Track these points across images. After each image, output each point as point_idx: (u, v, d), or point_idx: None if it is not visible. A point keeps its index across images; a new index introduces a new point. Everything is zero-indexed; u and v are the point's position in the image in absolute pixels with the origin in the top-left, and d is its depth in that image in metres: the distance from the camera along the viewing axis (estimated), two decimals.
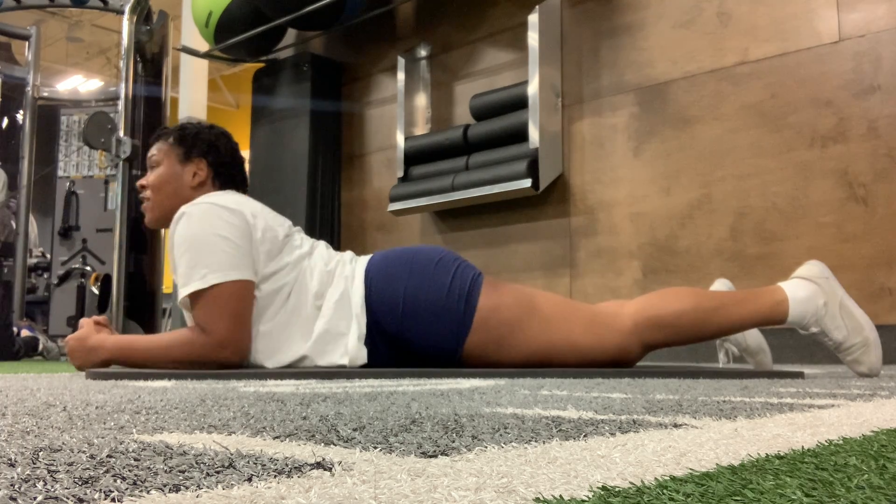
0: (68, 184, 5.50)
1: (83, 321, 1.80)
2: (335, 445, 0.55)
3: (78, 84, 10.51)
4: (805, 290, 1.66)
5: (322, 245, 1.89)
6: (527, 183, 3.62)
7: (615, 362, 1.72)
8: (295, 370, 1.67)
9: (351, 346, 1.73)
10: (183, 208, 1.75)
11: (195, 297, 1.66)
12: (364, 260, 1.83)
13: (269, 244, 1.75)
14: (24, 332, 4.46)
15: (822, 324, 1.63)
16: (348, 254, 1.89)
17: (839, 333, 1.62)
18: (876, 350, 1.61)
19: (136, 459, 0.48)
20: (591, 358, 1.71)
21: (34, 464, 0.46)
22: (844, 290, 1.66)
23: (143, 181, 1.93)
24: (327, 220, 4.70)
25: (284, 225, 1.85)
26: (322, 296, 1.76)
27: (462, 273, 1.75)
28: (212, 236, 1.67)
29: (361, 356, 1.73)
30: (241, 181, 1.98)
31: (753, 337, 1.94)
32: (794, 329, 1.73)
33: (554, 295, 1.79)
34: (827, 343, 1.65)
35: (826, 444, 0.58)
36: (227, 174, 1.94)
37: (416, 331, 1.72)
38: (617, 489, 0.39)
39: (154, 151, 1.93)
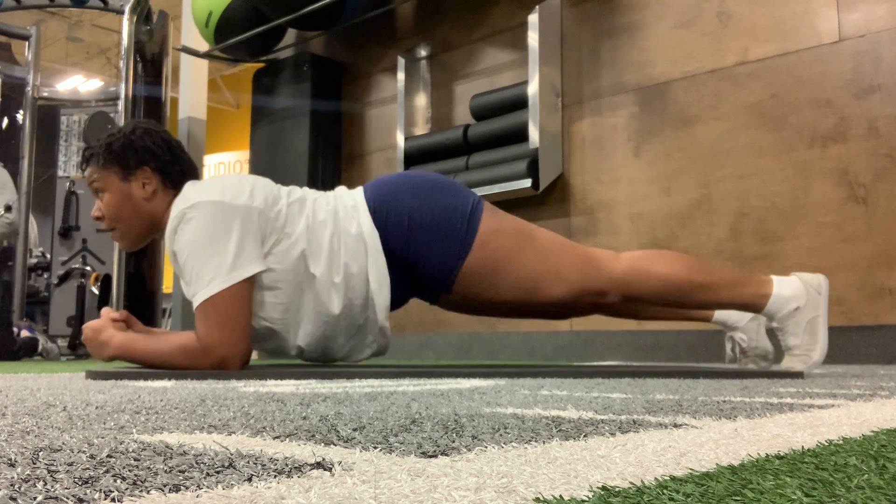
0: (68, 184, 5.50)
1: (104, 311, 1.80)
2: (335, 445, 0.55)
3: (78, 84, 10.51)
4: (791, 290, 1.75)
5: (310, 196, 1.86)
6: (527, 183, 3.62)
7: (594, 304, 1.78)
8: (295, 370, 1.67)
9: (373, 280, 1.76)
10: (175, 217, 1.69)
11: (199, 303, 1.66)
12: (358, 192, 1.85)
13: (273, 220, 1.74)
14: (24, 333, 4.46)
15: (784, 323, 1.73)
16: (340, 189, 1.90)
17: (793, 340, 1.73)
18: (812, 367, 1.73)
19: (136, 459, 0.48)
20: (574, 292, 1.74)
21: (34, 464, 0.46)
22: (825, 313, 1.75)
23: (97, 212, 1.83)
24: None
25: (280, 194, 1.81)
26: (338, 238, 1.78)
27: (463, 195, 1.80)
28: (210, 239, 1.65)
29: (383, 289, 1.77)
30: (190, 169, 1.86)
31: (765, 342, 1.99)
32: None
33: (550, 231, 1.85)
34: (779, 339, 1.76)
35: (826, 444, 0.58)
36: (176, 171, 1.83)
37: (420, 249, 1.76)
38: (617, 489, 0.39)
39: (93, 177, 1.82)
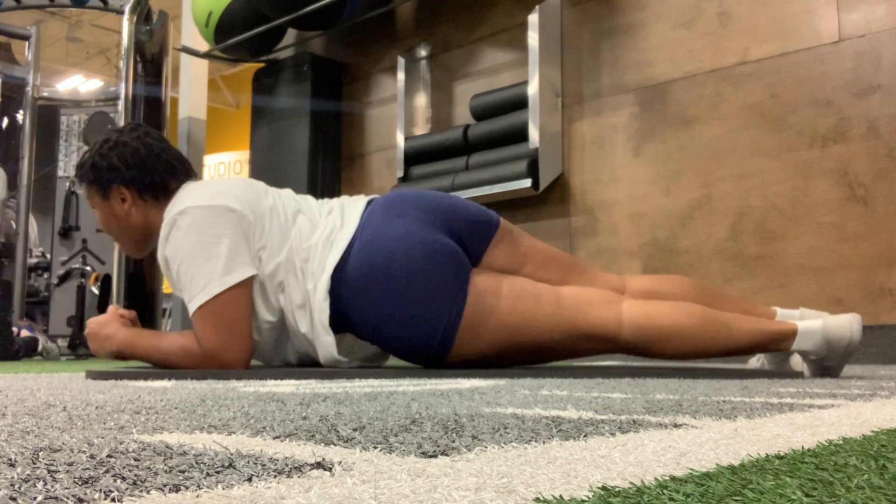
0: (68, 184, 5.49)
1: (111, 307, 1.81)
2: (335, 445, 0.55)
3: (78, 84, 10.51)
4: (813, 326, 1.59)
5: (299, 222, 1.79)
6: (527, 183, 3.62)
7: (605, 349, 1.68)
8: (295, 370, 1.67)
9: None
10: (166, 224, 1.69)
11: (196, 309, 1.66)
12: (335, 257, 1.71)
13: (259, 232, 1.73)
14: (24, 333, 4.46)
15: (820, 349, 1.58)
16: (335, 207, 1.81)
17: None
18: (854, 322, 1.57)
19: (136, 459, 0.48)
20: (585, 343, 1.67)
21: (34, 464, 0.46)
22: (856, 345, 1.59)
23: (99, 226, 1.93)
24: None
25: (265, 208, 1.77)
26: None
27: (452, 271, 1.67)
28: (202, 244, 1.65)
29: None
30: (171, 175, 1.81)
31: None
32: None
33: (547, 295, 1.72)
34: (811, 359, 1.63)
35: (826, 444, 0.58)
36: (148, 183, 1.79)
37: (391, 345, 1.73)
38: (617, 489, 0.39)
39: (84, 195, 1.88)
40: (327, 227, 1.76)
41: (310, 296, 1.71)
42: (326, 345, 1.71)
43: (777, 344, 1.59)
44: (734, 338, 1.59)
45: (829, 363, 1.59)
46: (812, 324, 1.58)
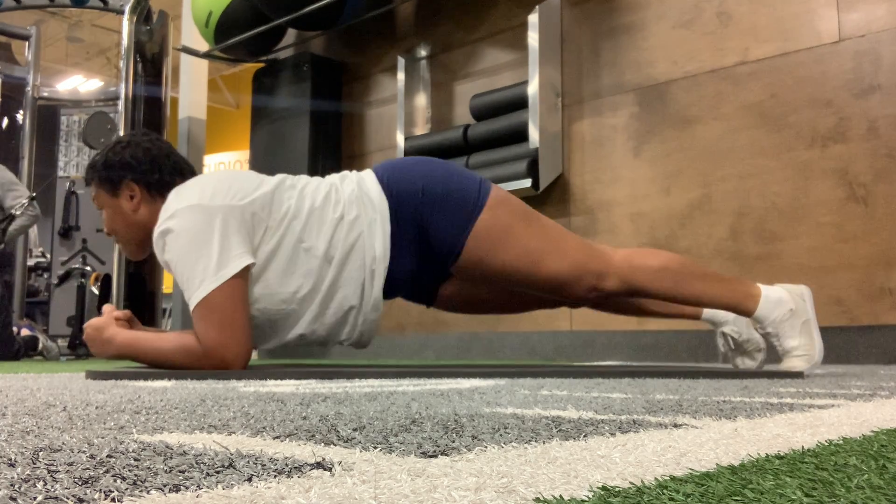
0: (68, 184, 5.50)
1: (106, 308, 1.83)
2: (335, 445, 0.55)
3: (78, 84, 10.51)
4: (777, 294, 1.76)
5: (304, 179, 1.88)
6: (527, 183, 3.62)
7: (594, 288, 1.78)
8: (295, 370, 1.67)
9: (378, 246, 1.78)
10: (161, 225, 1.71)
11: (194, 307, 1.67)
12: (366, 171, 1.88)
13: (259, 211, 1.74)
14: (24, 332, 4.46)
15: (778, 328, 1.74)
16: (339, 175, 1.92)
17: (791, 342, 1.74)
18: (814, 367, 1.76)
19: (136, 459, 0.48)
20: (576, 272, 1.76)
21: (34, 464, 0.46)
22: (815, 317, 1.77)
23: (104, 227, 1.96)
24: None
25: (263, 183, 1.80)
26: (339, 202, 1.80)
27: (471, 173, 1.86)
28: (193, 243, 1.66)
29: (387, 257, 1.79)
30: (176, 173, 1.89)
31: (756, 335, 1.97)
32: None
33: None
34: (775, 345, 1.76)
35: (826, 444, 0.58)
36: (156, 179, 1.87)
37: (433, 214, 1.78)
38: (617, 489, 0.39)
39: (93, 195, 1.93)
40: (344, 182, 1.86)
41: (359, 184, 1.79)
42: (377, 297, 1.80)
43: (746, 300, 1.75)
44: (709, 281, 1.77)
45: (772, 330, 1.74)
46: (773, 288, 1.77)
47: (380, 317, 1.88)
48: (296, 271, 1.75)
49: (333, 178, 1.88)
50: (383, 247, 1.78)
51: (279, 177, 1.85)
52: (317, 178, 1.88)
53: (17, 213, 4.23)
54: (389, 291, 1.87)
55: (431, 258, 1.83)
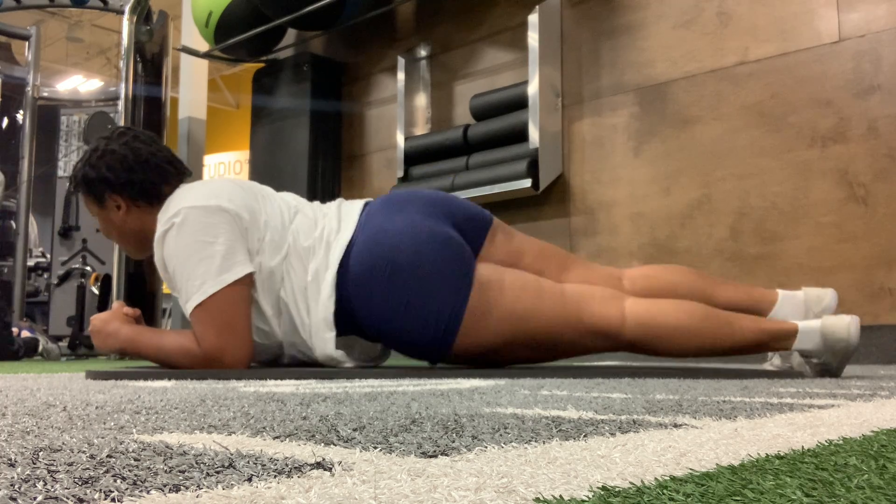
0: (68, 184, 5.49)
1: (115, 304, 1.83)
2: (335, 445, 0.55)
3: (78, 84, 10.50)
4: (810, 327, 1.59)
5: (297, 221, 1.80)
6: (527, 183, 3.62)
7: (608, 346, 1.71)
8: (295, 370, 1.67)
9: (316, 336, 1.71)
10: (165, 223, 1.70)
11: (193, 309, 1.66)
12: (336, 258, 1.72)
13: (254, 232, 1.73)
14: (25, 333, 4.46)
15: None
16: (326, 217, 1.81)
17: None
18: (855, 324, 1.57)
19: (136, 459, 0.48)
20: (591, 338, 1.68)
21: (34, 464, 0.46)
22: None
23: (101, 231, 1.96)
24: None
25: (259, 196, 1.79)
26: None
27: (455, 267, 1.67)
28: (197, 244, 1.65)
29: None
30: (162, 179, 1.81)
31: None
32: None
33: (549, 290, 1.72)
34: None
35: (826, 444, 0.58)
36: (139, 188, 1.80)
37: (396, 341, 1.74)
38: (617, 489, 0.39)
39: (84, 203, 1.91)
40: (326, 227, 1.77)
41: (312, 293, 1.71)
42: (326, 341, 1.71)
43: (778, 343, 1.60)
44: (736, 336, 1.60)
45: (828, 364, 1.59)
46: (811, 324, 1.58)
47: (356, 339, 1.84)
48: (270, 311, 1.75)
49: (321, 220, 1.79)
50: (325, 318, 1.70)
51: (277, 205, 1.81)
52: (309, 215, 1.82)
53: None
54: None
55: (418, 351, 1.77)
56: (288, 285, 1.73)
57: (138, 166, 1.80)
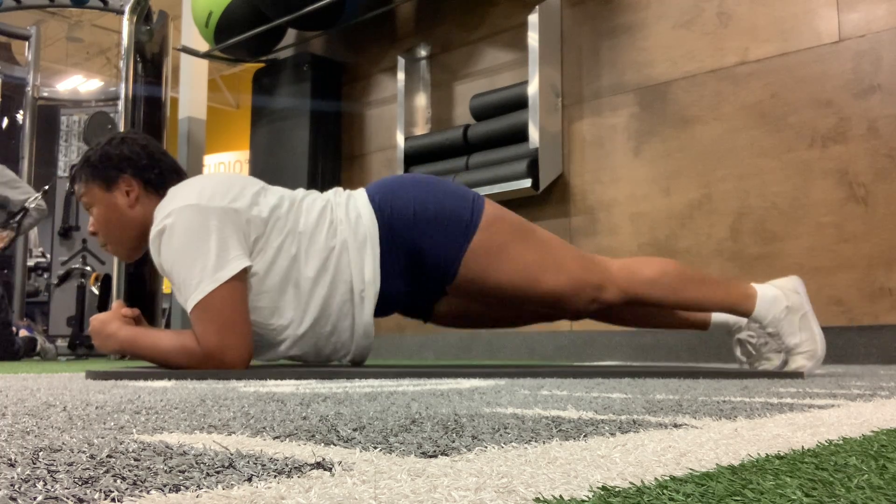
0: (68, 184, 5.48)
1: (116, 303, 1.83)
2: (335, 445, 0.55)
3: (78, 84, 10.51)
4: (772, 292, 1.77)
5: (300, 195, 1.86)
6: (527, 183, 3.62)
7: (594, 300, 1.76)
8: (295, 370, 1.67)
9: (367, 270, 1.76)
10: (157, 225, 1.69)
11: (192, 308, 1.66)
12: (359, 190, 1.86)
13: (255, 222, 1.73)
14: (23, 333, 4.46)
15: (779, 326, 1.75)
16: (333, 191, 1.90)
17: (792, 339, 1.74)
18: (817, 361, 1.74)
19: (136, 459, 0.48)
20: (575, 285, 1.74)
21: (34, 464, 0.46)
22: (811, 307, 1.77)
23: (91, 228, 1.89)
24: None
25: (260, 198, 1.78)
26: (332, 224, 1.79)
27: (464, 189, 1.84)
28: (191, 243, 1.65)
29: (376, 281, 1.77)
30: (171, 171, 1.87)
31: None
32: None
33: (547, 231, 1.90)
34: (779, 344, 1.78)
35: (826, 444, 0.58)
36: (156, 175, 1.84)
37: (427, 235, 1.75)
38: (617, 489, 0.39)
39: (81, 192, 1.87)
40: (334, 193, 1.86)
41: (350, 238, 1.76)
42: (368, 322, 1.78)
43: (744, 301, 1.76)
44: (706, 284, 1.78)
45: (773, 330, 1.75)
46: (766, 287, 1.79)
47: (371, 343, 1.86)
48: (285, 301, 1.74)
49: (328, 196, 1.85)
50: (373, 272, 1.75)
51: (278, 191, 1.82)
52: (313, 194, 1.86)
53: (31, 205, 4.27)
54: (383, 310, 1.85)
55: (426, 278, 1.81)
56: (317, 246, 1.75)
57: (157, 155, 1.88)
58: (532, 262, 1.76)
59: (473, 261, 1.75)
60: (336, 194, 1.86)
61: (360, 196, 1.83)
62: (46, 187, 4.47)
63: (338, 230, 1.77)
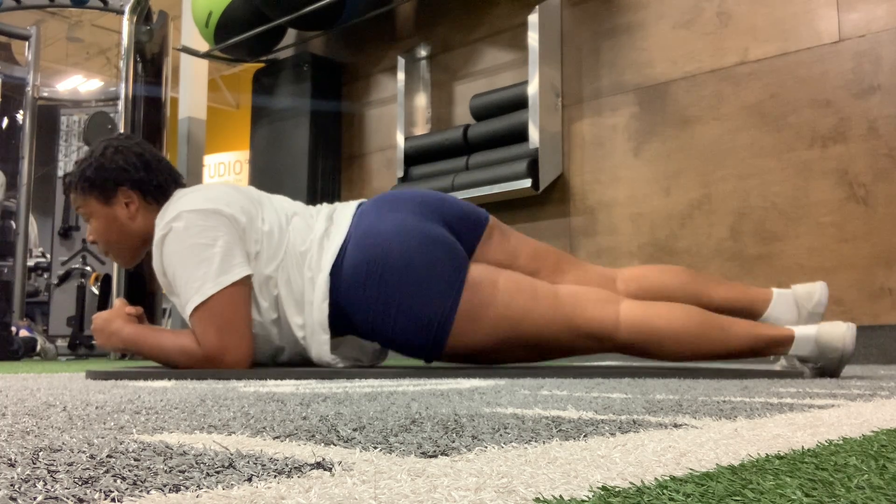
0: (68, 181, 5.48)
1: (119, 301, 1.82)
2: (335, 445, 0.55)
3: (78, 84, 10.50)
4: (806, 332, 1.59)
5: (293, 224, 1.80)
6: (527, 183, 3.62)
7: (603, 347, 1.68)
8: (295, 370, 1.67)
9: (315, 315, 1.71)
10: (163, 228, 1.69)
11: (192, 310, 1.66)
12: (330, 257, 1.72)
13: (252, 236, 1.73)
14: (23, 333, 4.46)
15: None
16: (319, 231, 1.78)
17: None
18: (853, 334, 1.56)
19: (136, 459, 0.48)
20: (584, 340, 1.66)
21: (34, 464, 0.46)
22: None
23: (90, 237, 1.87)
24: None
25: (256, 200, 1.78)
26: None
27: (452, 263, 1.67)
28: (196, 247, 1.65)
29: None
30: (172, 180, 1.85)
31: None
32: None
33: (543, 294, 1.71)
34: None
35: (826, 444, 0.58)
36: (155, 185, 1.81)
37: (391, 334, 1.70)
38: (617, 489, 0.39)
39: (78, 204, 1.85)
40: (320, 229, 1.77)
41: (308, 296, 1.71)
42: (321, 343, 1.71)
43: (773, 349, 1.60)
44: (731, 342, 1.59)
45: (824, 368, 1.61)
46: (807, 330, 1.58)
47: (352, 339, 1.83)
48: (267, 315, 1.74)
49: (317, 226, 1.79)
50: (320, 318, 1.70)
51: (275, 212, 1.79)
52: (309, 210, 1.84)
53: None
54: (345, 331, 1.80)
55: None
56: (285, 290, 1.73)
57: (153, 163, 1.84)
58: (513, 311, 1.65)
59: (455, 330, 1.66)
60: (324, 224, 1.78)
61: (336, 238, 1.73)
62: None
63: (305, 266, 1.73)
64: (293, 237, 1.76)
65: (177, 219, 1.67)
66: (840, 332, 1.54)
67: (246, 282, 1.68)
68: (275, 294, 1.73)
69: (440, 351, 1.70)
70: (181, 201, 1.72)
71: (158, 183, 1.82)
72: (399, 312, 1.65)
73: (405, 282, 1.64)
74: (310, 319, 1.71)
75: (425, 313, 1.64)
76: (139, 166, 1.81)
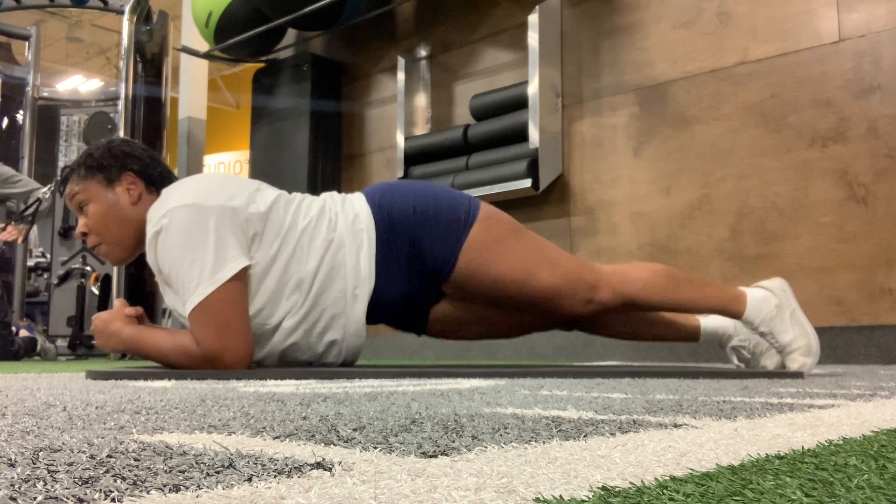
0: (60, 185, 5.49)
1: (118, 302, 1.83)
2: (335, 445, 0.55)
3: (78, 84, 10.50)
4: (761, 293, 1.77)
5: (299, 197, 1.87)
6: (527, 183, 3.62)
7: (589, 300, 1.77)
8: (295, 370, 1.67)
9: (363, 267, 1.76)
10: (154, 226, 1.68)
11: (190, 311, 1.66)
12: (354, 193, 1.89)
13: (252, 220, 1.72)
14: (23, 333, 4.46)
15: (771, 325, 1.74)
16: (328, 194, 1.91)
17: (786, 336, 1.73)
18: (814, 357, 1.73)
19: (136, 459, 0.48)
20: (570, 283, 1.75)
21: (34, 464, 0.46)
22: (798, 305, 1.77)
23: (82, 228, 1.82)
24: None
25: (258, 196, 1.78)
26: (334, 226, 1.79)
27: (459, 192, 1.89)
28: (188, 244, 1.64)
29: (371, 279, 1.77)
30: (168, 175, 1.89)
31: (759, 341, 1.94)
32: None
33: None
34: (772, 343, 1.77)
35: (826, 444, 0.58)
36: (157, 173, 1.85)
37: (425, 233, 1.77)
38: (617, 489, 0.39)
39: (76, 191, 1.82)
40: (331, 197, 1.87)
41: (347, 241, 1.77)
42: (360, 320, 1.78)
43: (735, 302, 1.76)
44: (698, 286, 1.80)
45: (772, 328, 1.74)
46: (753, 289, 1.79)
47: (363, 343, 1.86)
48: (283, 297, 1.73)
49: (325, 197, 1.87)
50: (368, 269, 1.76)
51: (274, 191, 1.83)
52: (309, 197, 1.87)
53: (44, 195, 4.31)
54: (378, 316, 1.84)
55: (424, 277, 1.81)
56: (317, 246, 1.75)
57: (157, 156, 1.93)
58: (527, 258, 1.78)
59: (470, 254, 1.76)
60: (332, 196, 1.88)
61: (356, 197, 1.85)
62: (58, 178, 4.52)
63: (337, 226, 1.77)
64: (308, 205, 1.82)
65: (167, 216, 1.67)
66: (777, 281, 1.79)
67: (241, 275, 1.67)
68: (304, 257, 1.74)
69: (449, 273, 1.77)
70: (171, 197, 1.71)
71: (161, 173, 1.87)
72: (434, 211, 1.80)
73: (431, 196, 1.82)
74: (357, 261, 1.76)
75: (450, 220, 1.79)
76: (145, 155, 1.88)
